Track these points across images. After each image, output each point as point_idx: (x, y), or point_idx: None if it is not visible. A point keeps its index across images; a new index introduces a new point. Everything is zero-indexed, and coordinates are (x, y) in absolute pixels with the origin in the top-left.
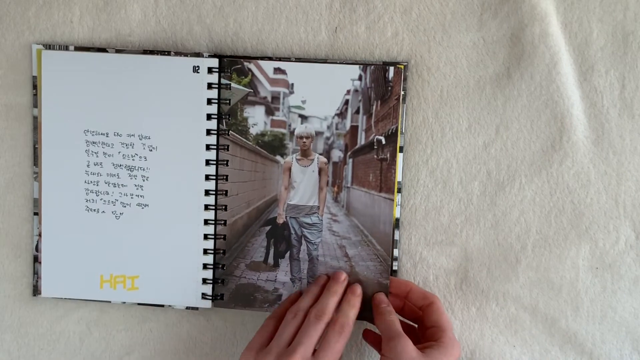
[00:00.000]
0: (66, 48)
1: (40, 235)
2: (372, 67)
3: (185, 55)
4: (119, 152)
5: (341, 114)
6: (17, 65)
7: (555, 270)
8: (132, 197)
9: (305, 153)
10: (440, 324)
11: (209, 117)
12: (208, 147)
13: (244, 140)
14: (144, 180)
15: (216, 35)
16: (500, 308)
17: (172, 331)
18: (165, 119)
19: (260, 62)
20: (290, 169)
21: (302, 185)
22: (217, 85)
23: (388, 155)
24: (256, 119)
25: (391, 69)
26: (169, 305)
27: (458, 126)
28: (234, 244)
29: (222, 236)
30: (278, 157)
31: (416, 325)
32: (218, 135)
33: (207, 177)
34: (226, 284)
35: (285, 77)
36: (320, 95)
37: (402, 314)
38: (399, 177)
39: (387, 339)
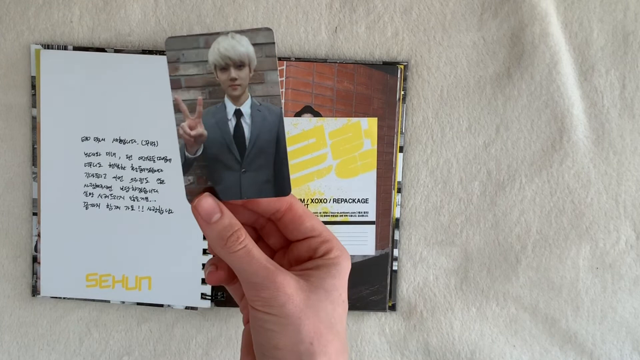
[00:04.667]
0: (65, 48)
1: (39, 235)
2: None
3: None
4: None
5: None
6: (17, 65)
7: (556, 270)
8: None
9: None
10: (318, 232)
11: None
12: None
13: None
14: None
15: None
16: (500, 308)
17: (171, 331)
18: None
19: None
20: None
21: None
22: None
23: None
24: None
25: None
26: (169, 305)
27: (458, 126)
28: None
29: None
30: None
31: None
32: None
33: None
34: None
35: None
36: None
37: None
38: (399, 177)
39: (251, 287)
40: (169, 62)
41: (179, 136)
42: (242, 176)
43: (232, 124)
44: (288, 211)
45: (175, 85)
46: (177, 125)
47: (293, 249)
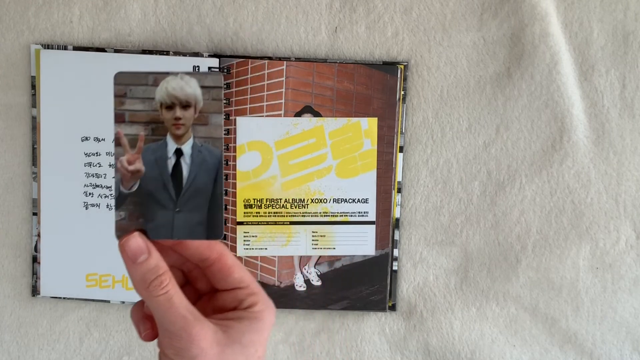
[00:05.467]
0: (65, 48)
1: (39, 235)
2: None
3: (185, 55)
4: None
5: None
6: (17, 65)
7: (556, 270)
8: None
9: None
10: (246, 283)
11: None
12: None
13: None
14: None
15: (216, 35)
16: (500, 308)
17: None
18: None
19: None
20: None
21: None
22: None
23: None
24: None
25: None
26: None
27: (458, 126)
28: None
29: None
30: None
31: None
32: None
33: None
34: None
35: None
36: None
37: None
38: (398, 176)
39: (166, 332)
40: (115, 96)
41: (117, 170)
42: (176, 216)
43: (171, 162)
44: (217, 260)
45: (119, 119)
46: (116, 159)
47: (219, 297)
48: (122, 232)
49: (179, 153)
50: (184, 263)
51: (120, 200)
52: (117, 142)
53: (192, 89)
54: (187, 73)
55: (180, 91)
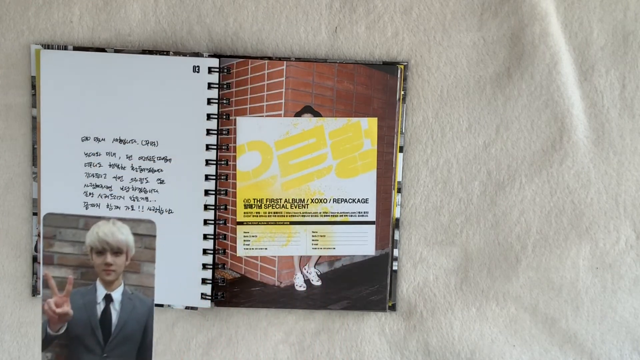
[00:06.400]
0: (65, 48)
1: (39, 235)
2: None
3: (185, 55)
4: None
5: None
6: (17, 65)
7: (556, 270)
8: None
9: None
10: None
11: (208, 117)
12: (208, 147)
13: None
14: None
15: (216, 35)
16: (500, 308)
17: (172, 331)
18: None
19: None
20: None
21: None
22: (217, 85)
23: None
24: None
25: None
26: (169, 305)
27: (458, 126)
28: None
29: (221, 235)
30: None
31: None
32: (218, 135)
33: (206, 177)
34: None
35: None
36: None
37: None
38: (398, 176)
39: None
40: (44, 238)
41: (44, 312)
42: None
43: (100, 307)
44: None
45: (48, 261)
46: (43, 300)
47: None
48: None
49: (108, 299)
50: None
51: (47, 342)
52: (45, 284)
53: (124, 235)
54: (120, 219)
55: (112, 237)
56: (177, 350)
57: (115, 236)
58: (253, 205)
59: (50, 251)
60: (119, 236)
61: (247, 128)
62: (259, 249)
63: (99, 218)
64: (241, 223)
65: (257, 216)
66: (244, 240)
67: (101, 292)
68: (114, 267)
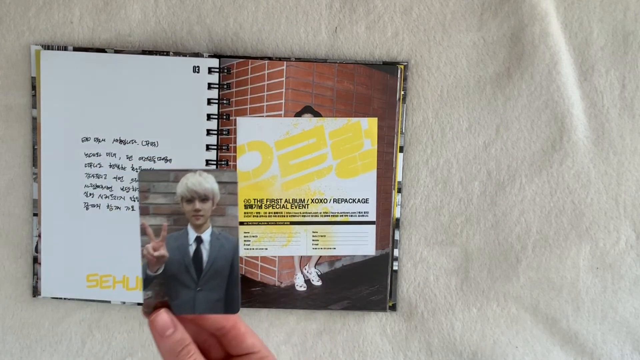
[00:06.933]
0: (65, 48)
1: (39, 236)
2: None
3: (185, 55)
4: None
5: None
6: (18, 66)
7: (556, 270)
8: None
9: None
10: (258, 348)
11: (208, 117)
12: (208, 148)
13: None
14: None
15: (216, 35)
16: (501, 308)
17: None
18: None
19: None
20: None
21: None
22: (217, 85)
23: None
24: None
25: None
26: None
27: (458, 126)
28: None
29: None
30: None
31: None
32: (218, 135)
33: None
34: None
35: None
36: None
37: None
38: (398, 176)
39: None
40: (140, 191)
41: (143, 256)
42: (197, 294)
43: (192, 248)
44: (232, 329)
45: (144, 211)
46: (142, 246)
47: None
48: (149, 309)
49: (199, 240)
50: (199, 334)
51: (147, 282)
52: (143, 231)
53: (209, 184)
54: (205, 170)
55: (199, 186)
56: None
57: (202, 185)
58: (253, 206)
59: (146, 203)
60: (205, 185)
61: (247, 128)
62: (260, 249)
63: (187, 171)
64: (241, 223)
65: (257, 216)
66: (245, 241)
67: (192, 235)
68: (202, 212)
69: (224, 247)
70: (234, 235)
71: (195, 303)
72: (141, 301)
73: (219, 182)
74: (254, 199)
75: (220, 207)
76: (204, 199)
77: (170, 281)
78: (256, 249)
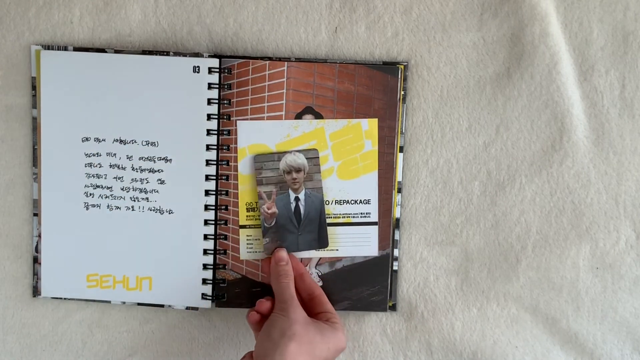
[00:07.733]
0: (65, 49)
1: (39, 236)
2: None
3: (185, 55)
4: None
5: None
6: (18, 66)
7: (556, 270)
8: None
9: None
10: (332, 313)
11: (209, 117)
12: (208, 147)
13: None
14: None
15: (216, 35)
16: (501, 308)
17: (173, 332)
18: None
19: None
20: None
21: None
22: (217, 85)
23: None
24: None
25: None
26: (169, 306)
27: (458, 126)
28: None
29: (222, 236)
30: None
31: None
32: (218, 135)
33: (207, 178)
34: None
35: None
36: None
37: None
38: (399, 177)
39: (280, 301)
40: (255, 169)
41: (261, 213)
42: (299, 237)
43: (293, 205)
44: (318, 296)
45: (259, 183)
46: (260, 207)
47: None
48: (268, 250)
49: (297, 199)
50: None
51: (265, 231)
52: (260, 197)
53: (301, 160)
54: (298, 150)
55: (294, 162)
56: (178, 352)
57: (296, 161)
58: (255, 209)
59: (260, 177)
60: (298, 161)
61: (247, 131)
62: (261, 252)
63: (285, 153)
64: (243, 226)
65: (259, 219)
66: (247, 243)
67: (292, 196)
68: (298, 179)
69: (314, 203)
70: (320, 193)
71: (299, 243)
72: (141, 301)
73: (307, 158)
74: (256, 202)
75: (309, 175)
76: (298, 170)
77: (280, 229)
78: (258, 252)
